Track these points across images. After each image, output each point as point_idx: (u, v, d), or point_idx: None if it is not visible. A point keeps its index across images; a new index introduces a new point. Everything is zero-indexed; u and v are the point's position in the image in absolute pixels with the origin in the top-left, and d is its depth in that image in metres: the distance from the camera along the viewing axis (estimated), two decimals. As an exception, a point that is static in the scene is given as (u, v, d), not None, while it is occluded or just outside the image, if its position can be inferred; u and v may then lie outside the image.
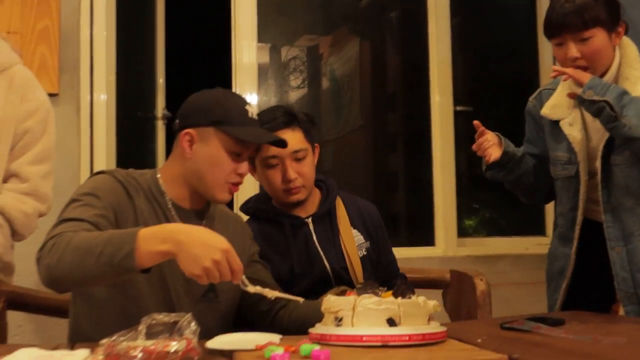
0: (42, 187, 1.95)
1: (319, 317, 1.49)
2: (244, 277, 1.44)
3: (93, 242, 1.42)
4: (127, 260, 1.38)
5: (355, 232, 2.02)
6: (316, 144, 2.02)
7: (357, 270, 1.96)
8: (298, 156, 1.93)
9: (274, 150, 1.89)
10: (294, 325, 1.70)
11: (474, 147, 2.14)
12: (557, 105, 2.15)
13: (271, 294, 1.52)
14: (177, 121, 1.74)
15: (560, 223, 2.21)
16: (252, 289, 1.49)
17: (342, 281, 1.93)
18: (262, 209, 2.01)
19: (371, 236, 2.05)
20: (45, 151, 1.97)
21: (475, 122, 2.13)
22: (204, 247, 1.37)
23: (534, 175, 2.25)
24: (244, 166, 1.71)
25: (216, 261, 1.36)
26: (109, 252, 1.40)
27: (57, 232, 1.49)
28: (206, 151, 1.68)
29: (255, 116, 1.73)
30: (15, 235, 1.93)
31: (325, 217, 2.01)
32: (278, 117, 1.93)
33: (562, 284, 2.16)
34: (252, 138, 1.69)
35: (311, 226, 1.99)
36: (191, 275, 1.38)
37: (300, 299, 1.58)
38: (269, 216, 1.99)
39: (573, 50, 1.98)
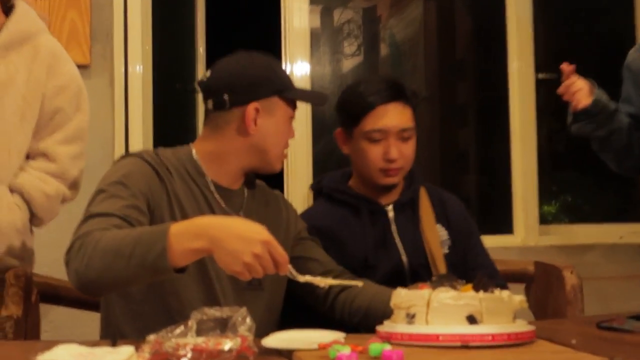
0: (71, 169, 1.96)
1: (385, 310, 1.49)
2: (291, 267, 1.45)
3: (122, 242, 1.45)
4: (160, 260, 1.41)
5: (439, 226, 2.01)
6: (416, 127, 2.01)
7: (440, 269, 1.93)
8: (405, 135, 1.93)
9: (382, 123, 1.91)
10: (355, 316, 1.71)
11: (560, 89, 2.12)
12: None
13: (324, 282, 1.53)
14: (225, 97, 1.72)
15: None
16: (301, 278, 1.50)
17: (418, 279, 1.91)
18: (338, 190, 2.01)
19: (452, 233, 2.02)
20: (78, 131, 1.99)
21: (564, 65, 2.11)
22: (241, 241, 1.38)
23: (629, 135, 2.21)
24: (293, 129, 1.81)
25: (257, 255, 1.38)
26: (140, 253, 1.42)
27: (84, 231, 1.52)
28: (272, 123, 1.73)
29: None
30: (34, 218, 1.94)
31: (407, 207, 2.01)
32: (386, 88, 1.94)
33: None
34: (316, 100, 1.90)
35: (391, 215, 1.98)
36: (232, 272, 1.41)
37: (360, 283, 1.58)
38: (346, 199, 1.99)
39: None
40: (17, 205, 1.88)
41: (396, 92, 1.94)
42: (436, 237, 1.99)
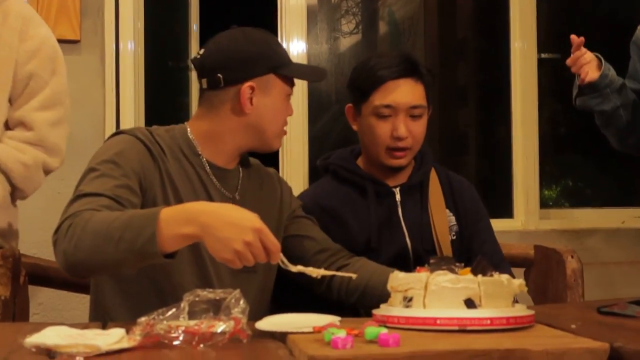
0: (50, 136, 1.92)
1: (382, 289, 1.49)
2: (282, 256, 1.45)
3: (111, 225, 1.45)
4: (149, 245, 1.41)
5: (447, 212, 1.99)
6: (431, 106, 1.99)
7: (446, 255, 1.91)
8: (415, 112, 1.90)
9: (391, 99, 1.89)
10: (352, 295, 1.72)
11: (568, 61, 2.14)
12: None
13: (316, 272, 1.52)
14: (219, 76, 1.71)
15: None
16: (293, 268, 1.49)
17: (422, 265, 1.90)
18: (345, 168, 1.99)
19: (460, 218, 2.00)
20: (54, 95, 1.94)
21: (573, 36, 2.13)
22: (232, 228, 1.38)
23: (633, 111, 2.22)
24: (291, 106, 1.80)
25: (248, 242, 1.38)
26: (129, 237, 1.42)
27: (72, 212, 1.52)
28: (269, 101, 1.72)
29: None
30: (16, 191, 1.91)
31: (416, 189, 1.98)
32: (398, 63, 1.91)
33: None
34: (313, 76, 1.87)
35: (398, 197, 1.96)
36: (222, 260, 1.40)
37: (354, 275, 1.57)
38: (352, 177, 1.98)
39: None
40: None
41: (408, 68, 1.90)
42: (444, 223, 1.97)
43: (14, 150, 1.88)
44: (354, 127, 2.00)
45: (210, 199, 1.71)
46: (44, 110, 1.92)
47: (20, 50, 1.90)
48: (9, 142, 1.89)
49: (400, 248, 1.92)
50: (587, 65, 2.12)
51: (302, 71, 1.85)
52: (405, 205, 1.96)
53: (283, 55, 1.77)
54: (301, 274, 1.68)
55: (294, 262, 1.70)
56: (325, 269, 1.72)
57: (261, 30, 1.80)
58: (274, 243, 1.42)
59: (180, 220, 1.41)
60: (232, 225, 1.39)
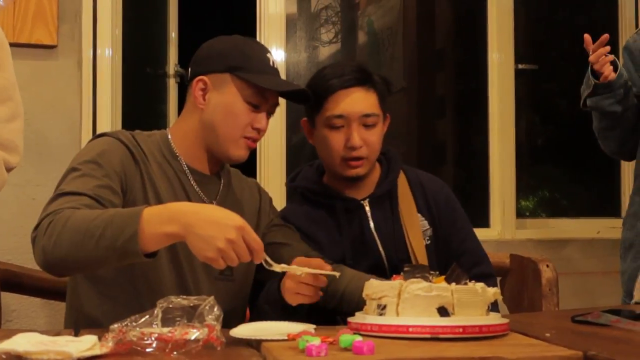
0: (4, 132, 1.86)
1: (360, 295, 1.48)
2: (266, 255, 1.45)
3: (93, 223, 1.44)
4: (130, 243, 1.40)
5: (419, 216, 1.97)
6: (388, 114, 1.98)
7: (421, 261, 1.91)
8: (368, 122, 1.89)
9: (341, 108, 1.87)
10: (330, 302, 1.71)
11: (591, 58, 2.15)
12: None
13: (300, 270, 1.52)
14: (189, 69, 1.77)
15: None
16: (277, 267, 1.49)
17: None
18: (311, 190, 1.98)
19: (434, 221, 1.98)
20: (2, 91, 1.88)
21: (587, 36, 2.16)
22: (215, 227, 1.38)
23: (637, 114, 2.24)
24: (262, 119, 1.73)
25: (231, 241, 1.37)
26: (110, 234, 1.41)
27: (53, 209, 1.51)
28: (221, 100, 1.71)
29: (277, 66, 1.77)
30: None
31: (385, 199, 1.97)
32: (349, 72, 1.90)
33: None
34: (273, 85, 1.72)
35: (368, 209, 1.95)
36: (205, 259, 1.40)
37: (337, 273, 1.56)
38: (320, 198, 1.96)
39: None
40: None
41: (359, 77, 1.89)
42: (417, 229, 1.95)
43: None
44: (310, 141, 1.99)
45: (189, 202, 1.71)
46: None
47: None
48: None
49: (375, 260, 1.91)
50: (607, 65, 2.15)
51: (265, 81, 1.71)
52: (375, 217, 1.95)
53: (250, 60, 1.72)
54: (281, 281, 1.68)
55: (272, 273, 1.70)
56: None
57: (250, 38, 1.81)
58: (257, 241, 1.41)
59: (163, 219, 1.41)
60: (215, 224, 1.38)
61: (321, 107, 1.89)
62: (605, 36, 2.14)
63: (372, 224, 1.95)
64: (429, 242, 1.96)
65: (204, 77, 1.72)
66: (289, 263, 1.73)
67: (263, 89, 1.70)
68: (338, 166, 1.91)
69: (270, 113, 1.77)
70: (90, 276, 1.67)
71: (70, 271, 1.60)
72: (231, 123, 1.71)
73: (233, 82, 1.71)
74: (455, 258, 1.93)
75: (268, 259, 1.46)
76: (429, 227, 1.98)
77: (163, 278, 1.65)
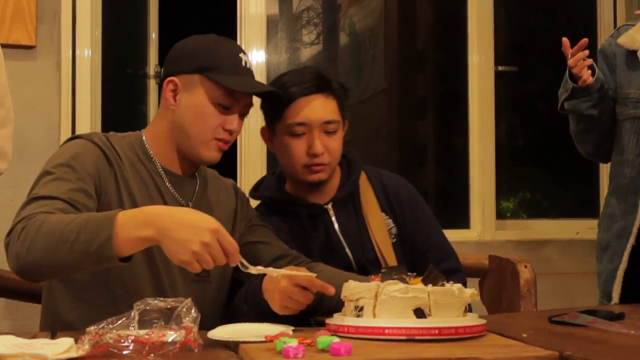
0: None
1: (339, 294, 1.48)
2: (241, 257, 1.44)
3: (67, 227, 1.43)
4: (105, 248, 1.39)
5: (383, 215, 1.97)
6: (347, 120, 1.98)
7: (389, 260, 1.91)
8: (329, 128, 1.89)
9: (302, 115, 1.87)
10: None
11: (570, 62, 2.17)
12: (636, 36, 2.23)
13: (277, 272, 1.50)
14: (161, 70, 1.78)
15: (623, 173, 2.25)
16: (253, 269, 1.47)
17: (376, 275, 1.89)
18: (273, 199, 1.98)
19: (398, 219, 1.99)
20: None
21: (565, 39, 2.18)
22: (190, 230, 1.37)
23: (612, 118, 2.29)
24: (234, 121, 1.71)
25: (206, 243, 1.36)
26: (84, 239, 1.40)
27: (26, 214, 1.50)
28: (191, 101, 1.70)
29: (250, 67, 1.75)
30: None
31: (348, 201, 1.97)
32: (309, 79, 1.89)
33: (625, 247, 2.19)
34: (241, 86, 1.69)
35: (332, 213, 1.95)
36: (180, 262, 1.39)
37: (313, 274, 1.54)
38: (283, 207, 1.96)
39: None
40: None
41: (319, 84, 1.89)
42: (382, 228, 1.96)
43: None
44: (270, 149, 1.99)
45: (165, 204, 1.70)
46: None
47: None
48: None
49: (343, 263, 1.90)
50: (586, 69, 2.18)
51: (235, 82, 1.68)
52: (340, 220, 1.95)
53: (221, 60, 1.70)
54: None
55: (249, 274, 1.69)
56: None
57: (223, 37, 1.78)
58: (232, 244, 1.40)
59: (137, 223, 1.40)
60: (189, 227, 1.37)
61: (282, 115, 1.88)
62: (584, 40, 2.16)
63: (337, 227, 1.95)
64: (395, 240, 1.97)
65: (174, 78, 1.71)
66: (270, 262, 1.74)
67: (232, 90, 1.69)
68: (300, 172, 1.91)
69: (243, 114, 1.76)
70: (65, 280, 1.66)
71: (44, 276, 1.59)
72: (201, 125, 1.69)
73: (202, 83, 1.69)
74: (421, 254, 1.96)
75: (244, 261, 1.45)
76: (393, 225, 1.98)
77: (139, 281, 1.64)
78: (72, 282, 1.65)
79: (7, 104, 1.93)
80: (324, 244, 1.93)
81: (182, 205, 1.73)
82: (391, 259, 1.93)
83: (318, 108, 1.87)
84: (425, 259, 1.90)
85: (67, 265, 1.45)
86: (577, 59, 2.16)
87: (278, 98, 1.81)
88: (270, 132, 1.95)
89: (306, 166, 1.89)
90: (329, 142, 1.89)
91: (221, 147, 1.72)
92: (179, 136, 1.72)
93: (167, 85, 1.71)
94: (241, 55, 1.73)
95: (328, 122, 1.89)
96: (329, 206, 1.96)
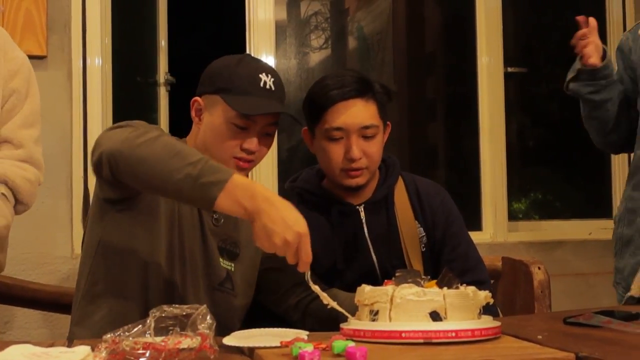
0: (36, 152, 1.96)
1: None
2: (309, 270, 1.46)
3: (187, 149, 1.47)
4: (214, 187, 1.41)
5: (416, 223, 1.96)
6: (388, 122, 1.97)
7: (416, 268, 1.89)
8: (367, 133, 1.87)
9: (340, 121, 1.86)
10: (325, 324, 1.69)
11: (573, 41, 2.17)
12: None
13: (327, 300, 1.50)
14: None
15: None
16: (313, 286, 1.49)
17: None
18: (310, 191, 1.97)
19: (429, 227, 1.98)
20: (33, 114, 1.98)
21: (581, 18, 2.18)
22: (280, 224, 1.40)
23: (619, 107, 2.26)
24: (251, 142, 1.72)
25: (287, 241, 1.40)
26: (200, 168, 1.43)
27: (133, 125, 1.55)
28: (211, 121, 1.74)
29: (271, 87, 1.74)
30: (19, 205, 1.92)
31: (381, 205, 1.96)
32: (349, 83, 1.88)
33: None
34: (246, 108, 1.69)
35: (363, 215, 1.94)
36: (260, 245, 1.43)
37: (352, 317, 1.50)
38: (317, 200, 1.96)
39: None
40: (4, 194, 1.86)
41: (359, 88, 1.88)
42: (413, 235, 1.95)
43: (16, 167, 1.91)
44: (312, 150, 1.98)
45: (199, 215, 1.74)
46: (27, 128, 1.96)
47: (4, 68, 1.92)
48: (5, 161, 1.91)
49: (367, 266, 1.91)
50: (589, 48, 2.16)
51: (241, 104, 1.68)
52: (370, 222, 1.94)
53: (238, 82, 1.72)
54: (278, 300, 1.76)
55: (269, 296, 1.73)
56: (301, 300, 1.79)
57: (249, 57, 1.83)
58: (308, 254, 1.43)
59: (246, 192, 1.42)
60: (282, 222, 1.40)
61: (320, 119, 1.88)
62: (582, 18, 2.17)
63: (365, 230, 1.94)
64: (425, 249, 1.96)
65: (199, 99, 1.77)
66: (287, 290, 1.80)
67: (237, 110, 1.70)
68: (338, 176, 1.90)
69: (266, 133, 1.76)
70: (138, 193, 1.64)
71: (128, 175, 1.52)
72: (219, 144, 1.72)
73: (220, 104, 1.72)
74: (446, 263, 1.92)
75: (309, 275, 1.47)
76: (424, 234, 1.97)
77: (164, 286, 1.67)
78: (115, 300, 1.66)
79: (40, 122, 2.02)
80: (349, 243, 1.93)
81: (215, 218, 1.77)
82: (419, 267, 1.91)
83: (356, 113, 1.86)
84: (450, 269, 1.88)
85: (163, 178, 1.45)
86: (578, 37, 2.16)
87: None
88: (310, 134, 1.96)
89: (344, 170, 1.89)
90: (367, 147, 1.88)
91: (241, 166, 1.73)
92: (205, 153, 1.73)
93: (193, 105, 1.77)
94: (261, 75, 1.73)
95: (366, 127, 1.87)
96: (361, 207, 1.95)
